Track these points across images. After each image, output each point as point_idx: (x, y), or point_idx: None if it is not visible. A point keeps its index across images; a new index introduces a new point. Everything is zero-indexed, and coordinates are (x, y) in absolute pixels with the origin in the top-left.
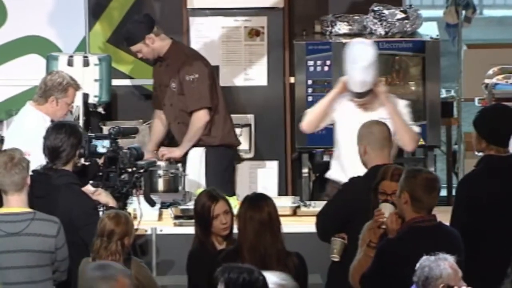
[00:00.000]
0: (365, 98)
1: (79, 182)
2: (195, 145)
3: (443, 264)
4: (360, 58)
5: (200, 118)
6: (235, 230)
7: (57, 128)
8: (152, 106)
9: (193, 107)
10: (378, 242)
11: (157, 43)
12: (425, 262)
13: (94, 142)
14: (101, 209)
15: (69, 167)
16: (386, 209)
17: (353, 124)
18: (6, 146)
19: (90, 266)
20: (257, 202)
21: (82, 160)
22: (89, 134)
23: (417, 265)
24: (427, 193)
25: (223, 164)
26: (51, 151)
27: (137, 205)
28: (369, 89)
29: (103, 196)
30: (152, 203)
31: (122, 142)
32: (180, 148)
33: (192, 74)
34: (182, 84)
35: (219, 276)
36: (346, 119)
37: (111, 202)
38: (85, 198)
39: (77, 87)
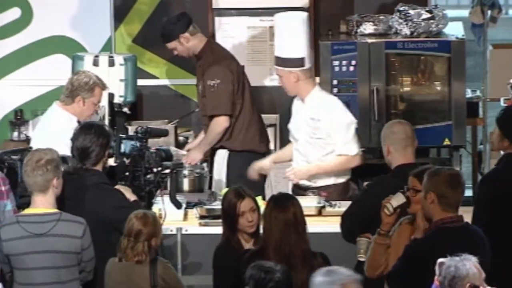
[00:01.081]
0: (281, 68)
1: (109, 182)
2: (220, 147)
3: (468, 263)
4: (282, 25)
5: (219, 124)
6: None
7: (86, 128)
8: None
9: (210, 113)
10: (387, 230)
11: (191, 42)
12: (450, 262)
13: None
14: None
15: (99, 167)
16: (397, 198)
17: (295, 121)
18: (32, 146)
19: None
20: (283, 202)
21: (112, 161)
22: (121, 135)
23: (441, 265)
24: (452, 189)
25: (243, 170)
26: (80, 151)
27: (161, 205)
28: (283, 62)
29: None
30: (178, 206)
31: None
32: (198, 151)
33: (213, 79)
34: (204, 88)
35: (247, 271)
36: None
37: (132, 197)
38: (116, 196)
39: (103, 86)
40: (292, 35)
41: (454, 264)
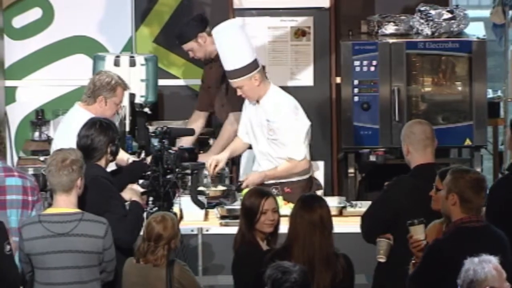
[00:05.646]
0: (235, 79)
1: (107, 177)
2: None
3: (487, 266)
4: (224, 38)
5: (233, 122)
6: (281, 231)
7: (88, 125)
8: (196, 106)
9: (231, 109)
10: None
11: (209, 43)
12: (469, 265)
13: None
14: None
15: (101, 163)
16: (418, 231)
17: (248, 120)
18: (54, 147)
19: None
20: (310, 203)
21: (131, 158)
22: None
23: (462, 267)
24: (476, 194)
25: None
26: (80, 148)
27: (182, 205)
28: (240, 73)
29: (128, 193)
30: (201, 205)
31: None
32: (210, 154)
33: None
34: (228, 85)
35: (266, 271)
36: (245, 118)
37: (134, 197)
38: (108, 189)
39: (125, 86)
40: (238, 43)
41: (473, 268)
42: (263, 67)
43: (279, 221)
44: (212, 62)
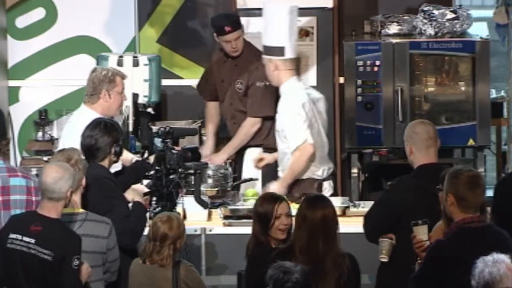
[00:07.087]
0: (270, 56)
1: (110, 177)
2: (253, 146)
3: (502, 267)
4: (267, 13)
5: (253, 125)
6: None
7: (93, 126)
8: (203, 97)
9: (253, 114)
10: None
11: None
12: (483, 266)
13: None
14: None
15: (104, 164)
16: (421, 232)
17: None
18: (62, 146)
19: None
20: (314, 203)
21: (135, 158)
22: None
23: (475, 268)
24: (471, 191)
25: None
26: (84, 148)
27: (185, 205)
28: (266, 50)
29: (130, 194)
30: (204, 205)
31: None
32: (223, 153)
33: (263, 80)
34: (250, 88)
35: (268, 271)
36: None
37: (137, 197)
38: (111, 189)
39: (122, 75)
40: (274, 24)
41: (488, 270)
42: (296, 59)
43: (292, 224)
44: (230, 58)
